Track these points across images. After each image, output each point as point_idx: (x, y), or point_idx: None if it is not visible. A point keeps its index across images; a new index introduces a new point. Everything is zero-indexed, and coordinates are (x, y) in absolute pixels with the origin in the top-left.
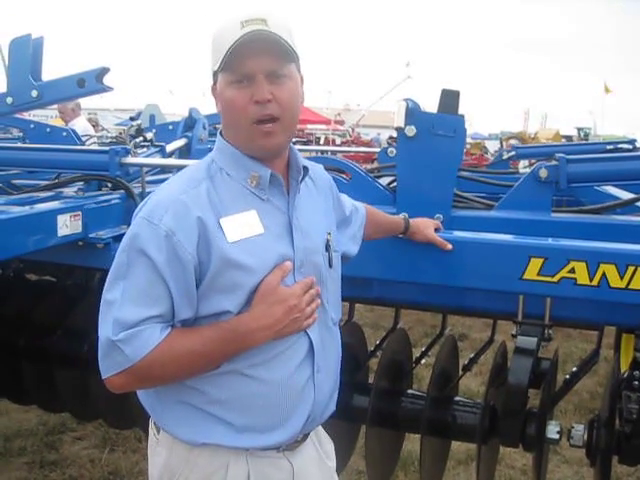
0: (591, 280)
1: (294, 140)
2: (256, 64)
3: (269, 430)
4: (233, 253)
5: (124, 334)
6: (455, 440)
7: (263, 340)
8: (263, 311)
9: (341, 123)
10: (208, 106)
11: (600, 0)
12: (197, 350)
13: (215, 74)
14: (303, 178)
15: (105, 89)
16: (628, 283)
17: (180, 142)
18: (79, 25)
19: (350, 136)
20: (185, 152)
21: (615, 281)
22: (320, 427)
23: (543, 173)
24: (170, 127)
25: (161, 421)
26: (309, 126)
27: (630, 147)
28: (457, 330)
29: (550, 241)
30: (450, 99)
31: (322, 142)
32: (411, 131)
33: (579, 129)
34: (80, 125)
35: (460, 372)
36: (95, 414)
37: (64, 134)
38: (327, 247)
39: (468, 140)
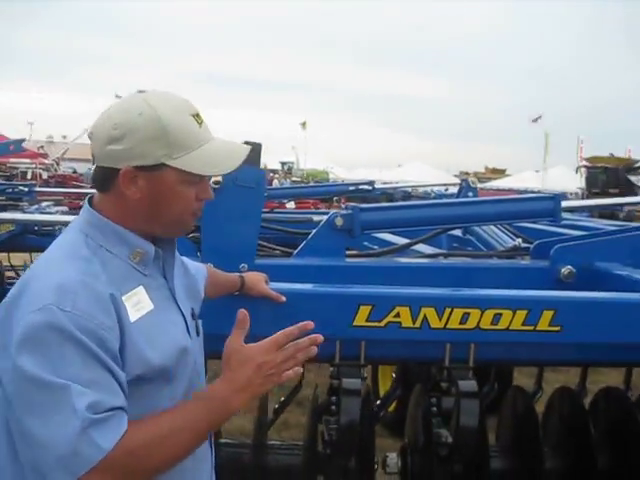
0: (414, 323)
1: None
2: None
3: None
4: (135, 333)
5: (96, 416)
6: None
7: (241, 404)
8: (232, 375)
9: (45, 157)
10: None
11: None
12: (184, 426)
13: (160, 164)
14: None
15: None
16: (446, 323)
17: None
18: None
19: (55, 170)
20: None
21: (435, 322)
22: None
23: (339, 221)
24: None
25: None
26: (12, 160)
27: (370, 188)
28: None
29: (377, 289)
30: (252, 152)
31: (29, 177)
32: (216, 182)
33: (283, 163)
34: None
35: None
36: None
37: None
38: (193, 315)
39: None
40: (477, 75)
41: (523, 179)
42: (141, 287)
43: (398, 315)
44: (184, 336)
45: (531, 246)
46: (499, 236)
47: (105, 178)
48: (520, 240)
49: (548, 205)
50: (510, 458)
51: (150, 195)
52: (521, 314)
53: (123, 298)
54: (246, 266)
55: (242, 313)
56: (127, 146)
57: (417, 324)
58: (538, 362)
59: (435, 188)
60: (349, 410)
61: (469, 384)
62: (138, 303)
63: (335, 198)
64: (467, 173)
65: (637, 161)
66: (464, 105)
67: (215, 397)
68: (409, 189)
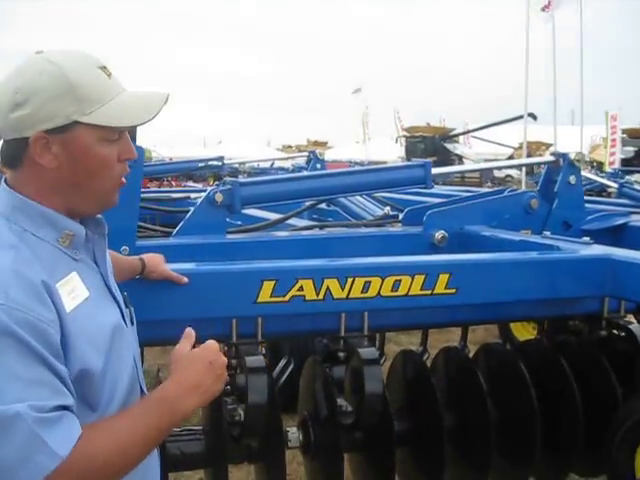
0: (317, 295)
1: None
2: None
3: None
4: (73, 325)
5: (44, 415)
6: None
7: (194, 405)
8: (183, 374)
9: None
10: None
11: None
12: (137, 431)
13: (73, 123)
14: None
15: None
16: (349, 293)
17: None
18: None
19: None
20: None
21: (337, 292)
22: None
23: (219, 197)
24: None
25: None
26: None
27: (220, 164)
28: None
29: (279, 263)
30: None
31: None
32: None
33: None
34: None
35: None
36: None
37: None
38: (126, 302)
39: None
40: (300, 50)
41: (346, 151)
42: (74, 273)
43: (302, 288)
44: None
45: (398, 214)
46: (365, 205)
47: (15, 152)
48: (389, 208)
49: (420, 172)
50: (408, 420)
51: (68, 161)
52: (419, 279)
53: (57, 286)
54: (127, 248)
55: (189, 330)
56: (33, 109)
57: (320, 296)
58: (434, 325)
59: (292, 162)
60: (258, 388)
61: (369, 351)
62: (73, 291)
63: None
64: (290, 146)
65: (452, 130)
66: (285, 80)
67: (166, 401)
68: (237, 165)
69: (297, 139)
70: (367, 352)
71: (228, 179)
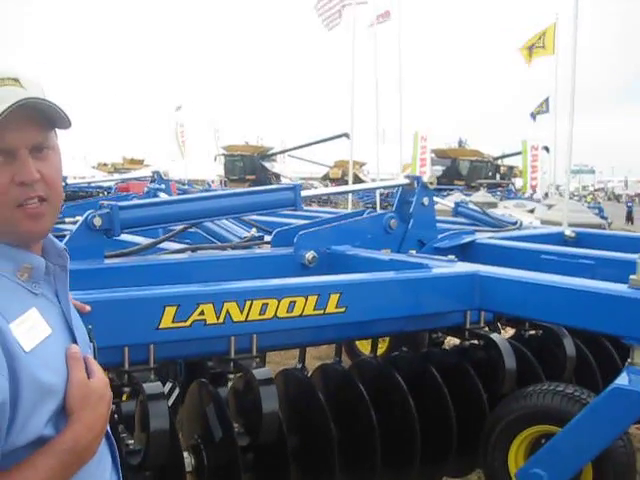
0: (218, 319)
1: None
2: (19, 138)
3: None
4: (34, 366)
5: None
6: None
7: (97, 448)
8: (92, 416)
9: None
10: None
11: None
12: None
13: None
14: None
15: None
16: (247, 316)
17: None
18: None
19: None
20: None
21: (237, 315)
22: None
23: (97, 221)
24: None
25: None
26: None
27: (62, 184)
28: None
29: (179, 289)
30: None
31: None
32: None
33: None
34: None
35: None
36: None
37: None
38: (90, 336)
39: None
40: (116, 68)
41: (160, 168)
42: (33, 309)
43: (202, 313)
44: None
45: (264, 235)
46: (228, 227)
47: None
48: (255, 230)
49: (289, 195)
50: (299, 437)
51: None
52: (312, 299)
53: (11, 326)
54: None
55: (74, 347)
56: None
57: (220, 319)
58: (320, 342)
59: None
60: (159, 414)
61: (264, 372)
62: (32, 328)
63: None
64: (105, 164)
65: (269, 148)
66: (100, 96)
67: (77, 448)
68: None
69: (113, 157)
70: (261, 372)
71: (106, 202)
